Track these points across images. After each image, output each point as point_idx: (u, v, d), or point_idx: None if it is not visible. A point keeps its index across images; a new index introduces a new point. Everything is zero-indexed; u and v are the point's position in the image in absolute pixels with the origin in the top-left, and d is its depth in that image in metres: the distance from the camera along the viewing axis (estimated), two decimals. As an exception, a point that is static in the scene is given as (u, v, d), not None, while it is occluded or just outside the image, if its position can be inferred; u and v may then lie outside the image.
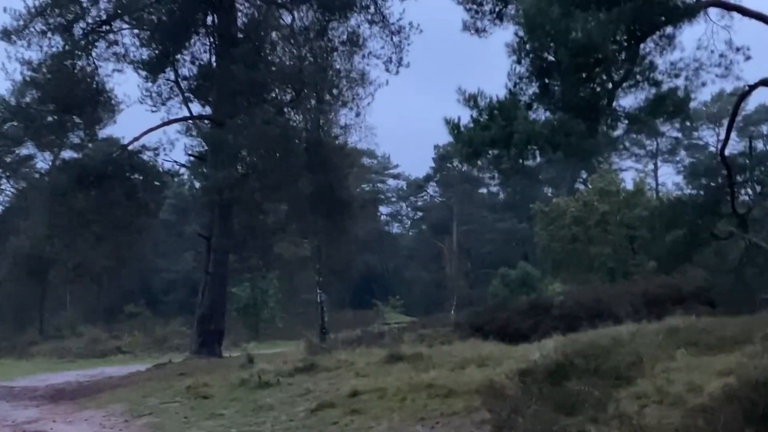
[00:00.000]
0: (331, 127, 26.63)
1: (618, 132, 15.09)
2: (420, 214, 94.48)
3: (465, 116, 14.07)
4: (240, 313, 49.02)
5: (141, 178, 26.10)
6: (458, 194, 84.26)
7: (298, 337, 47.34)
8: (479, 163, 14.71)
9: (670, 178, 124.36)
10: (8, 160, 51.75)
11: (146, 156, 26.27)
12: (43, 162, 50.58)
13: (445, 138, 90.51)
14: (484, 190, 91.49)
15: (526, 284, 62.92)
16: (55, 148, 25.43)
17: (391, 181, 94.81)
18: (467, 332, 23.03)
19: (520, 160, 14.04)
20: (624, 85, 14.36)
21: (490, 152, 14.41)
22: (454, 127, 14.19)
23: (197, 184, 35.07)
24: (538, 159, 15.06)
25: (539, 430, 8.53)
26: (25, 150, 48.83)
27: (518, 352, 13.72)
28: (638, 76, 14.29)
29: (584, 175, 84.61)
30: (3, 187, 57.48)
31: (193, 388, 15.12)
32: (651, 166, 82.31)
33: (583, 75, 14.17)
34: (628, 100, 14.47)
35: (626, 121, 14.19)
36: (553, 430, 8.49)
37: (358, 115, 26.54)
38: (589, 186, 57.66)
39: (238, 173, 24.42)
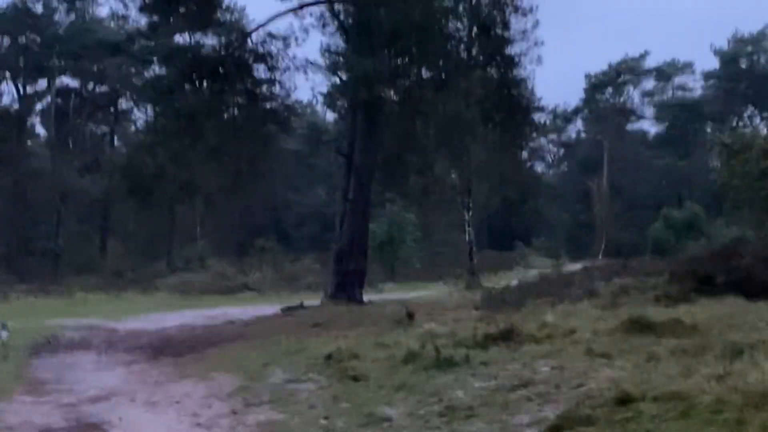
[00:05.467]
0: (505, 8, 20.50)
1: None
2: (563, 150, 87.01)
3: None
4: (375, 251, 44.60)
5: (267, 73, 21.10)
6: (610, 129, 76.62)
7: (437, 278, 42.88)
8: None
9: None
10: (135, 81, 48.72)
11: (273, 47, 21.32)
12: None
13: (598, 66, 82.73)
14: (637, 126, 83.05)
15: (694, 227, 55.91)
16: (165, 40, 20.66)
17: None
18: (691, 284, 17.09)
19: None
20: None
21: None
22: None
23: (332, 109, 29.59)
24: None
25: None
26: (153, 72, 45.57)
27: None
28: None
29: (751, 108, 75.48)
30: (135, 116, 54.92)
31: (336, 359, 10.13)
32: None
33: None
34: None
35: None
36: None
37: (542, -8, 20.34)
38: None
39: (390, 60, 18.83)
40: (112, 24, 46.22)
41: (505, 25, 20.35)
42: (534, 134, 25.00)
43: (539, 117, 24.14)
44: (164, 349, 15.33)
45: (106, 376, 12.24)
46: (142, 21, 22.30)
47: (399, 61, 19.18)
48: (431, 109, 19.60)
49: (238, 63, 20.61)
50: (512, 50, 20.78)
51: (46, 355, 15.14)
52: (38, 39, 46.99)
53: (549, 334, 10.38)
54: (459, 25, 20.11)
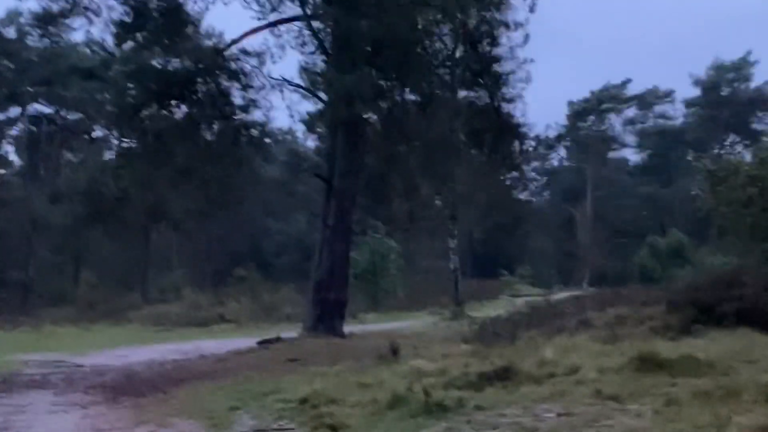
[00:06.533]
0: (495, 24, 19.53)
1: None
2: (546, 178, 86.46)
3: None
4: (357, 280, 43.36)
5: (242, 92, 19.99)
6: (593, 156, 76.40)
7: (421, 308, 41.73)
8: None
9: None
10: (109, 108, 47.47)
11: (247, 65, 20.29)
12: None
13: (581, 93, 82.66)
14: (620, 153, 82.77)
15: (680, 255, 55.40)
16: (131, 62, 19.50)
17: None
18: (691, 314, 16.13)
19: None
20: None
21: None
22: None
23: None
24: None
25: None
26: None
27: None
28: None
29: (732, 136, 75.52)
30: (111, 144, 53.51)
31: (312, 404, 9.00)
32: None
33: None
34: None
35: None
36: None
37: (532, 10, 19.49)
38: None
39: (372, 78, 17.70)
40: (87, 50, 45.13)
41: (494, 41, 19.48)
42: (523, 155, 23.98)
43: (528, 143, 23.14)
44: (127, 388, 14.10)
45: (58, 420, 11.05)
46: (109, 39, 21.16)
47: (381, 79, 18.15)
48: (415, 131, 18.64)
49: (209, 80, 19.57)
50: (501, 68, 19.93)
51: (-2, 395, 13.85)
52: (10, 65, 45.80)
53: (550, 372, 9.34)
54: (444, 41, 19.20)
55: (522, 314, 18.65)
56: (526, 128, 21.43)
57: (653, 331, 14.24)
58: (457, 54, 19.52)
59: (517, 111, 20.60)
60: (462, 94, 20.37)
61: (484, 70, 19.57)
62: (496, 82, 19.87)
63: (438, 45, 19.08)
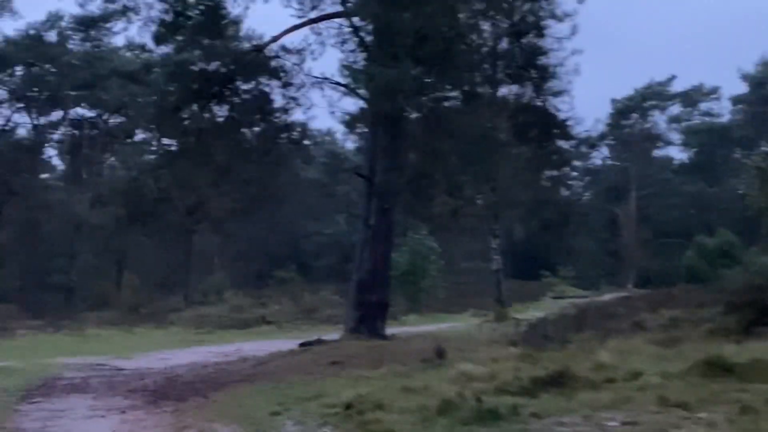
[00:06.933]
0: (542, 15, 18.85)
1: None
2: (589, 177, 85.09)
3: None
4: (397, 281, 42.93)
5: (282, 91, 19.62)
6: (637, 154, 75.02)
7: (462, 309, 41.20)
8: None
9: None
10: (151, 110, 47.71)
11: (287, 63, 19.95)
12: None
13: (623, 91, 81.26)
14: (664, 151, 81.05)
15: (729, 255, 54.00)
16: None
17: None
18: (750, 316, 15.40)
19: None
20: None
21: None
22: None
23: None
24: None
25: None
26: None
27: None
28: None
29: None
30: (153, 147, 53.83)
31: (357, 409, 8.57)
32: None
33: None
34: None
35: None
36: None
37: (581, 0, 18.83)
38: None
39: (415, 71, 17.11)
40: (128, 53, 45.45)
41: (540, 33, 18.82)
42: (570, 152, 23.29)
43: (575, 139, 22.37)
44: (168, 392, 13.86)
45: (96, 425, 10.82)
46: (149, 41, 20.96)
47: (422, 74, 17.56)
48: (457, 127, 18.05)
49: (249, 79, 19.27)
50: (547, 61, 19.27)
51: (38, 399, 13.70)
52: (52, 68, 46.28)
53: (608, 377, 8.79)
54: (488, 34, 18.63)
55: (570, 316, 18.02)
56: (573, 123, 20.79)
57: (712, 334, 13.56)
58: (502, 47, 18.94)
59: (564, 105, 20.01)
60: (506, 88, 19.85)
61: (530, 63, 18.90)
62: (543, 75, 19.19)
63: (481, 38, 18.55)
